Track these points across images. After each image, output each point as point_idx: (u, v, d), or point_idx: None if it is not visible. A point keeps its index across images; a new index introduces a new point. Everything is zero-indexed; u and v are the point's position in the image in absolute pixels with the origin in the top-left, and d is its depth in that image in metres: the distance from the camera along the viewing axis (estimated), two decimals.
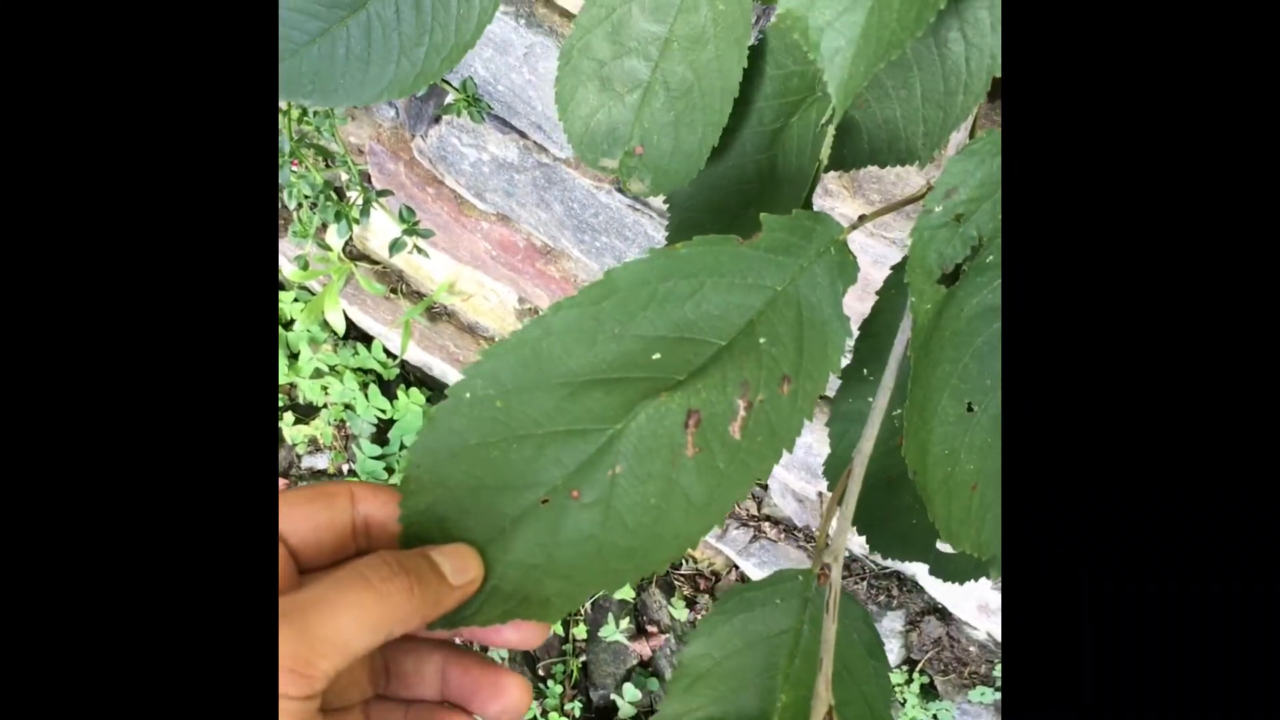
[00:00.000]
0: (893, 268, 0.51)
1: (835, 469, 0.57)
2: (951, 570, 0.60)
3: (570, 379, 0.40)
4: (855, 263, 0.41)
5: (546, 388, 0.40)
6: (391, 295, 1.72)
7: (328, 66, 0.49)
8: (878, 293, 0.51)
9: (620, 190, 1.11)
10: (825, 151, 0.47)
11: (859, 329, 0.52)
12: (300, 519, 0.40)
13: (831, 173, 0.50)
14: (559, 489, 0.40)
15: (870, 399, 0.49)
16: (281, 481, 1.85)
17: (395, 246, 1.12)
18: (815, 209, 0.43)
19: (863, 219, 0.44)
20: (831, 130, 0.46)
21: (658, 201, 1.10)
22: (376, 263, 1.74)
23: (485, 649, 1.66)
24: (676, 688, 0.44)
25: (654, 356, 0.40)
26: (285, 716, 0.34)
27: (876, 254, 0.90)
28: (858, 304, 0.45)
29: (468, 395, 0.40)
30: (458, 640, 0.44)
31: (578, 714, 1.76)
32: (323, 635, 0.35)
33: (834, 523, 0.44)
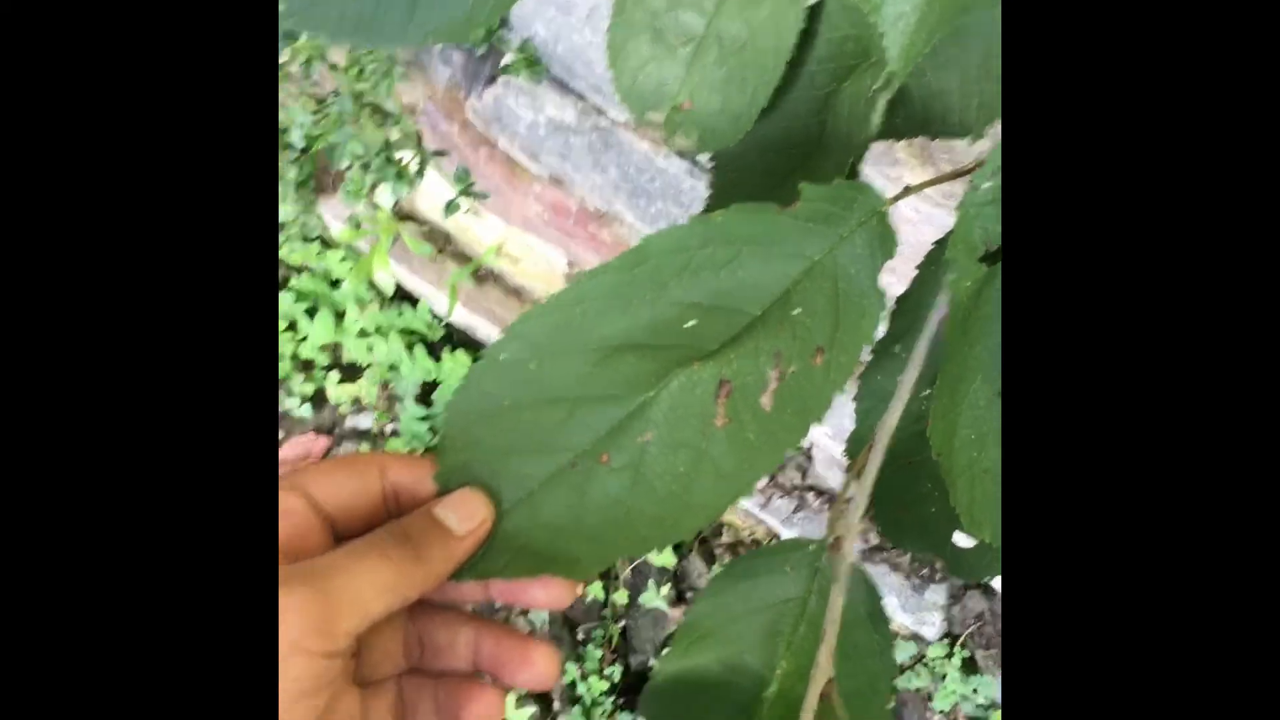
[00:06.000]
0: (935, 243, 0.50)
1: (857, 446, 0.57)
2: (967, 566, 0.59)
3: (603, 344, 0.40)
4: (895, 235, 0.41)
5: (580, 352, 0.40)
6: (438, 256, 1.73)
7: (371, 6, 0.48)
8: (918, 267, 0.51)
9: (679, 155, 1.10)
10: (876, 120, 0.46)
11: (894, 304, 0.51)
12: (334, 487, 0.41)
13: (901, 141, 0.50)
14: (589, 453, 0.40)
15: (900, 377, 0.49)
16: (323, 439, 1.87)
17: (450, 208, 1.12)
18: (881, 176, 0.43)
19: (908, 190, 0.43)
20: (884, 98, 0.46)
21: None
22: (424, 223, 1.75)
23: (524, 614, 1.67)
24: (679, 646, 0.44)
25: (688, 324, 0.40)
26: (310, 670, 0.35)
27: (941, 224, 0.88)
28: (890, 276, 0.45)
29: (502, 357, 0.40)
30: (491, 602, 0.44)
31: (616, 678, 1.77)
32: (343, 596, 0.37)
33: (851, 495, 0.44)
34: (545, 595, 0.42)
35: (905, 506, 0.56)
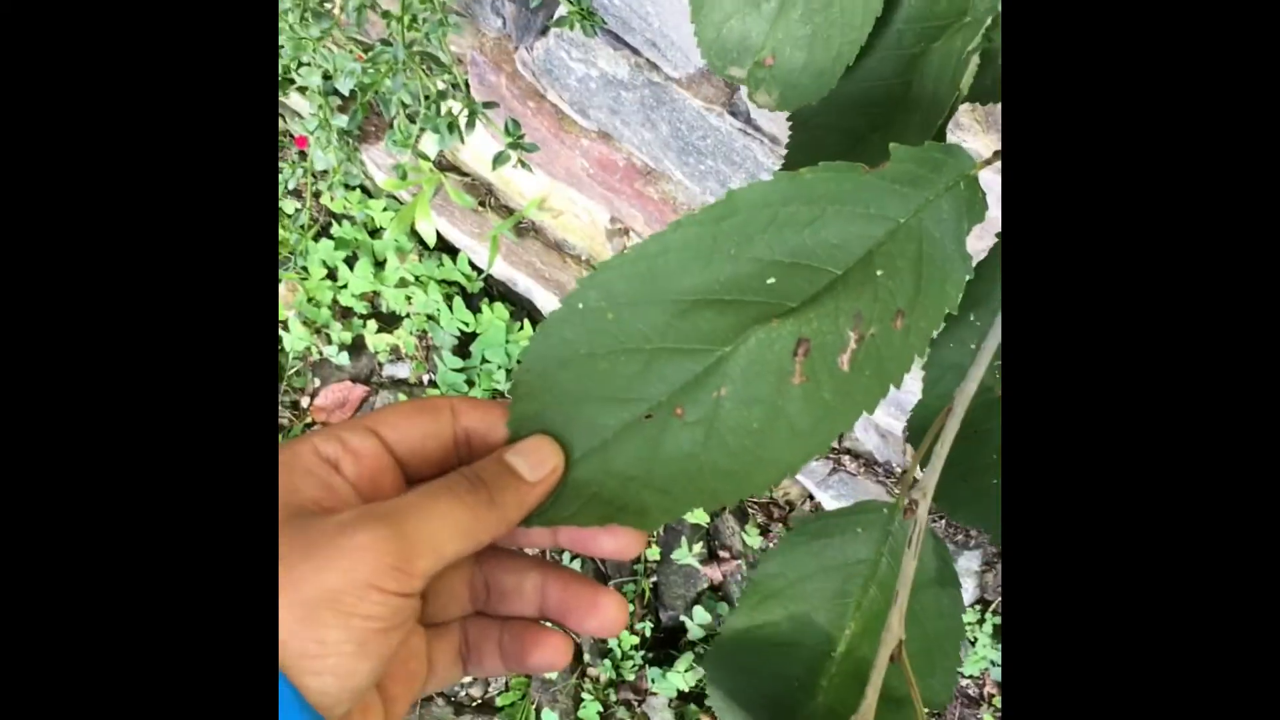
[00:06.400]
0: None
1: (923, 417, 0.56)
2: None
3: (683, 297, 0.40)
4: (984, 200, 0.41)
5: (659, 304, 0.40)
6: (480, 209, 1.73)
7: None
8: (997, 235, 0.50)
9: (733, 114, 1.09)
10: (966, 81, 0.45)
11: (972, 271, 0.51)
12: (406, 430, 0.42)
13: (964, 105, 0.49)
14: (663, 405, 0.41)
15: (974, 345, 0.48)
16: (360, 387, 1.88)
17: (499, 160, 1.12)
18: (946, 142, 0.42)
19: (998, 154, 0.43)
20: (975, 60, 0.45)
21: (769, 126, 1.08)
22: (465, 174, 1.74)
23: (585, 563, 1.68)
24: (747, 603, 0.45)
25: (768, 281, 0.40)
26: (384, 609, 0.35)
27: None
28: (979, 244, 0.44)
29: (581, 305, 0.40)
30: (558, 548, 0.45)
31: (648, 633, 1.79)
32: (419, 537, 0.37)
33: (927, 459, 0.44)
34: (613, 544, 0.43)
35: (965, 476, 0.56)
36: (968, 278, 0.40)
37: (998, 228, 0.50)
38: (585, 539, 0.43)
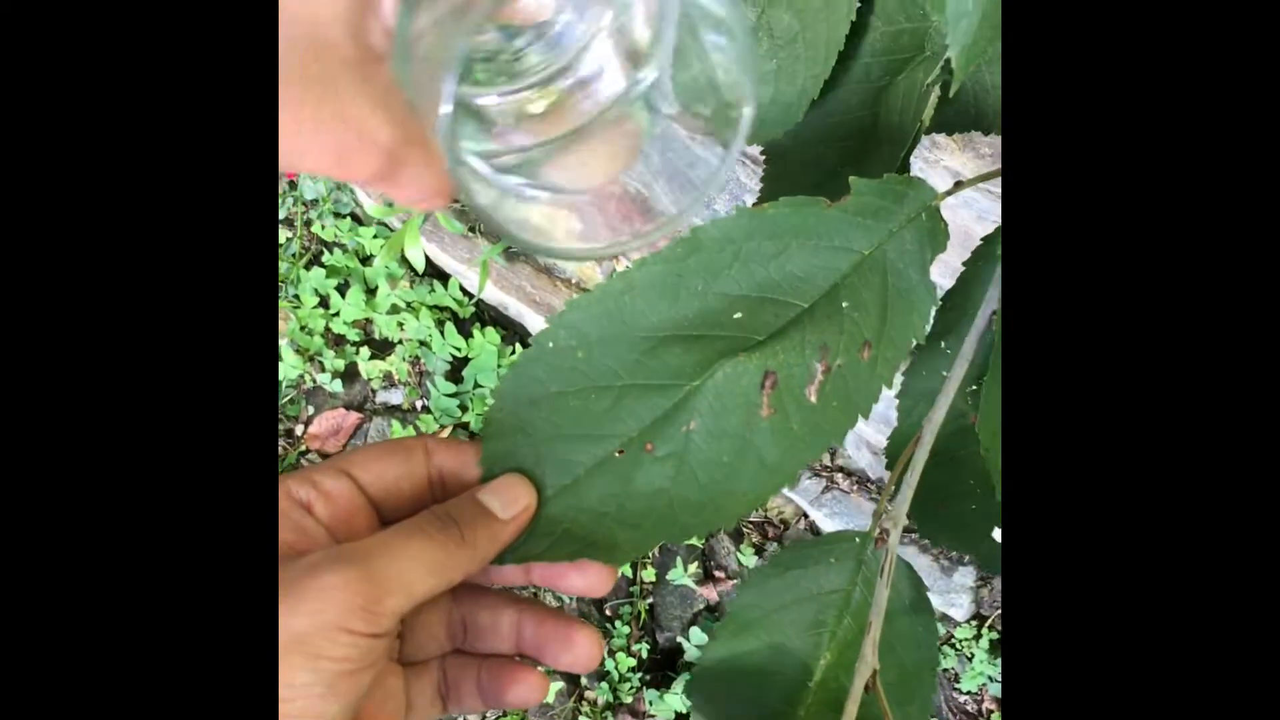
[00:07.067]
0: (983, 239, 0.50)
1: (898, 444, 0.57)
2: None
3: (651, 334, 0.40)
4: (946, 230, 0.41)
5: (627, 341, 0.40)
6: (470, 234, 1.73)
7: None
8: (964, 264, 0.51)
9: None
10: (928, 114, 0.46)
11: (941, 300, 0.51)
12: (380, 471, 0.42)
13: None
14: (634, 441, 0.41)
15: (945, 373, 0.49)
16: (354, 415, 1.88)
17: None
18: (920, 160, 0.43)
19: (959, 185, 0.43)
20: (936, 92, 0.46)
21: (757, 153, 1.09)
22: (455, 200, 1.75)
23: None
24: (724, 633, 0.45)
25: (735, 316, 0.40)
26: (354, 650, 0.35)
27: (981, 209, 0.87)
28: (959, 262, 0.45)
29: (550, 344, 0.41)
30: (529, 586, 0.45)
31: (644, 655, 1.78)
32: (387, 576, 0.37)
33: (897, 488, 0.44)
34: (582, 581, 0.43)
35: (944, 502, 0.57)
36: (934, 307, 0.41)
37: (956, 243, 0.50)
38: (555, 576, 0.43)
